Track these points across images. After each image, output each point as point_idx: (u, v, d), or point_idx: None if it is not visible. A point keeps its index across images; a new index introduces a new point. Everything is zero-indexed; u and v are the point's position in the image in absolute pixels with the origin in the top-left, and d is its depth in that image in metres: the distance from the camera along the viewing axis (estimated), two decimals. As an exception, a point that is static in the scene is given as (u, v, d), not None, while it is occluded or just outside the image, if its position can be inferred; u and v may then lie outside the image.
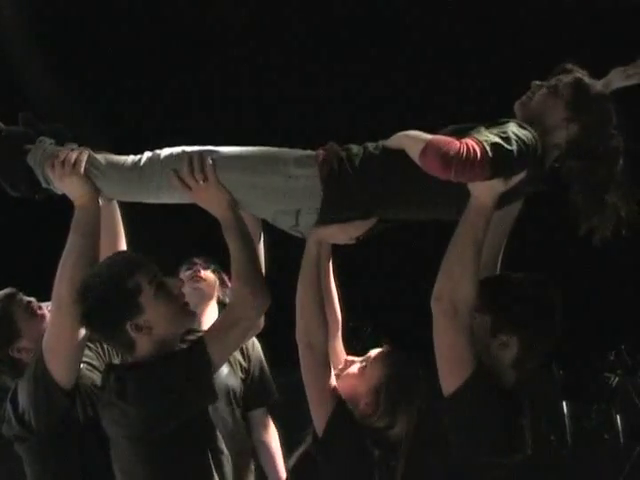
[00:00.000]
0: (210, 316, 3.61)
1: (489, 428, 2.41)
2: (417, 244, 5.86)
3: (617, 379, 6.49)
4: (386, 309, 6.56)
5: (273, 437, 3.67)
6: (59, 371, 2.65)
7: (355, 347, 2.98)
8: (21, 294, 2.86)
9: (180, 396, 2.49)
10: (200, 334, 2.67)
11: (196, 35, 6.20)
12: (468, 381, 2.38)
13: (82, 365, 2.77)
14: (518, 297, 2.50)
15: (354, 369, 2.68)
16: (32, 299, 2.85)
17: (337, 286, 2.88)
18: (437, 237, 2.58)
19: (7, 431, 2.79)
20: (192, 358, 2.52)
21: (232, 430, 3.38)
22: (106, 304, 2.47)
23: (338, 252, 2.81)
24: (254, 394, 3.63)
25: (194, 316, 2.71)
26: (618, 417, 6.37)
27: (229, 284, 3.67)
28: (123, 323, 2.49)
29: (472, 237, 2.43)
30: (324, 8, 6.11)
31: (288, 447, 3.53)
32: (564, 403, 6.48)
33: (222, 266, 3.67)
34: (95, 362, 2.87)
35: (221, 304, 3.70)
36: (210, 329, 2.63)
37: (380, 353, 2.69)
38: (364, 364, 2.67)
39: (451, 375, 2.41)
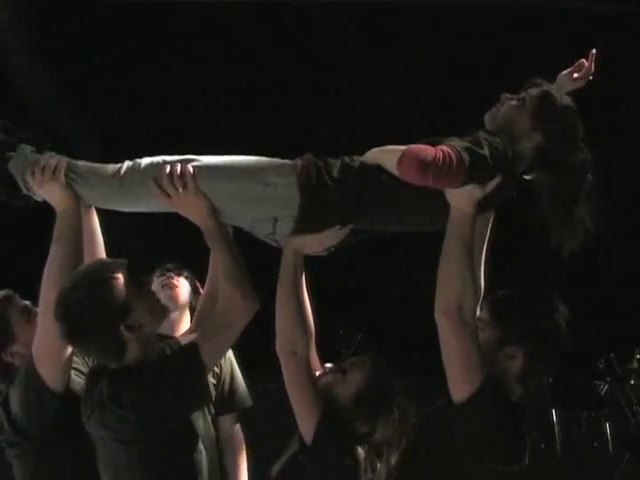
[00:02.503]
0: (184, 323, 3.60)
1: (498, 436, 2.49)
2: (405, 253, 5.88)
3: (606, 387, 6.49)
4: (375, 317, 6.57)
5: (238, 443, 3.64)
6: (50, 375, 2.66)
7: (345, 354, 3.00)
8: (17, 297, 2.85)
9: (176, 400, 2.53)
10: (190, 338, 2.67)
11: (186, 46, 6.23)
12: (480, 388, 2.45)
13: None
14: (527, 312, 2.58)
15: (333, 377, 2.69)
16: (28, 303, 2.85)
17: (326, 295, 2.89)
18: (425, 246, 2.61)
19: None
20: (186, 362, 2.55)
21: (202, 434, 3.37)
22: (96, 311, 2.47)
23: (329, 262, 2.83)
24: (224, 400, 3.62)
25: (168, 310, 2.73)
26: (607, 425, 6.36)
27: (202, 291, 3.70)
28: (117, 326, 2.49)
29: (463, 246, 2.49)
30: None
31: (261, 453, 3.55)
32: (553, 411, 6.47)
33: (194, 273, 3.70)
34: (82, 367, 2.86)
35: (193, 310, 3.68)
36: (201, 333, 2.64)
37: (358, 360, 2.71)
38: (343, 372, 2.69)
39: (464, 383, 2.47)
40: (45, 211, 2.79)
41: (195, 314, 2.97)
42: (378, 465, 2.58)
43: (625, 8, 5.75)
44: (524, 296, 2.63)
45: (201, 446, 2.66)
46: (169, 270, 3.70)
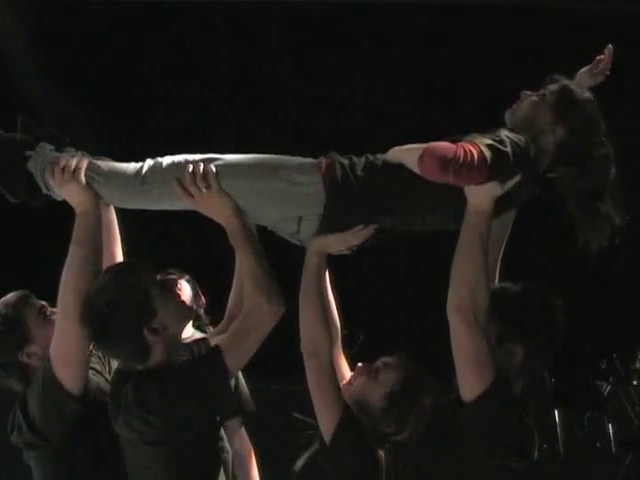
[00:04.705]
0: (186, 327, 3.59)
1: (511, 431, 2.49)
2: (408, 252, 5.88)
3: (609, 387, 6.49)
4: (379, 316, 6.57)
5: (246, 447, 3.62)
6: (68, 378, 2.65)
7: (348, 354, 2.99)
8: (34, 297, 2.84)
9: (200, 404, 2.52)
10: (216, 341, 2.66)
11: (197, 43, 6.21)
12: (492, 386, 2.45)
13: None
14: (524, 307, 2.57)
15: (366, 376, 2.69)
16: (44, 303, 2.83)
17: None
18: (427, 245, 2.60)
19: (17, 439, 2.77)
20: (209, 366, 2.54)
21: None
22: (121, 314, 2.47)
23: (330, 262, 2.82)
24: None
25: (194, 311, 2.72)
26: (610, 425, 6.36)
27: (202, 296, 3.71)
28: (141, 329, 2.49)
29: (479, 243, 2.48)
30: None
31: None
32: (556, 411, 6.48)
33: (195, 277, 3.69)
34: (97, 366, 2.86)
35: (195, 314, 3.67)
36: (226, 337, 2.63)
37: (393, 360, 2.70)
38: (376, 372, 2.68)
39: (476, 381, 2.46)
40: (64, 210, 2.78)
41: (226, 312, 2.96)
42: (400, 465, 2.58)
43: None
44: (520, 291, 2.63)
45: (227, 445, 2.67)
46: (171, 274, 3.70)
